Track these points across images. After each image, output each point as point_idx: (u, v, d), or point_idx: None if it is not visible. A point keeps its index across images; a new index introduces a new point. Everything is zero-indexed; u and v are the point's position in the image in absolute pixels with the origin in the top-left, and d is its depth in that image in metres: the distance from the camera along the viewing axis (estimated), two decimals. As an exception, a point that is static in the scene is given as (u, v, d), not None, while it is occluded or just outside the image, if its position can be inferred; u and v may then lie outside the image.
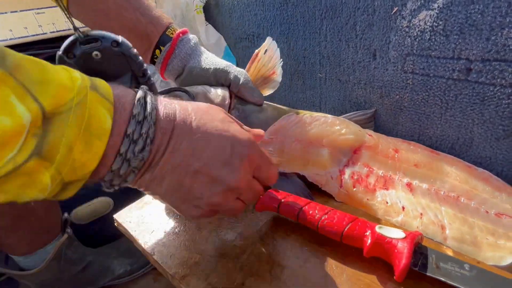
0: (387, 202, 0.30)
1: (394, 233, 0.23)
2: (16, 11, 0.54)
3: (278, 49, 0.38)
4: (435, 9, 0.29)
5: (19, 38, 0.55)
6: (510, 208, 0.27)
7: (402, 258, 0.22)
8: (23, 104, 0.14)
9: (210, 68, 0.35)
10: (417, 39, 0.31)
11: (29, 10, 0.55)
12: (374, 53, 0.37)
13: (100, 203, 0.63)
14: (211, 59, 0.37)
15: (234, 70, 0.36)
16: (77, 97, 0.16)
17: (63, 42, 0.22)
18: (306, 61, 0.48)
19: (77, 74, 0.17)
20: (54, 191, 0.17)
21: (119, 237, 0.61)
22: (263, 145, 0.33)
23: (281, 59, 0.38)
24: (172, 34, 0.36)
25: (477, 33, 0.27)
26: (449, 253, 0.26)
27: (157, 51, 0.36)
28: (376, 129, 0.42)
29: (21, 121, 0.14)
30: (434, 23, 0.29)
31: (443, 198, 0.29)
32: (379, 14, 0.34)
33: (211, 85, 0.35)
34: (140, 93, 0.19)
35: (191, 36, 0.38)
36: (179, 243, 0.29)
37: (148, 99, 0.19)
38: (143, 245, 0.30)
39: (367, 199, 0.31)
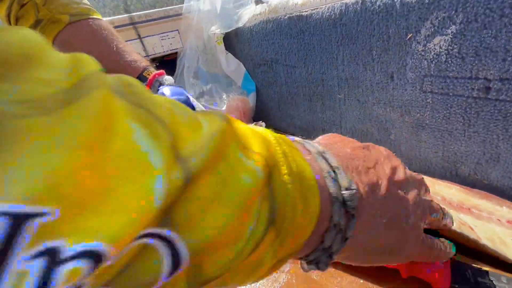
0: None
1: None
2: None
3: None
4: (449, 34, 0.31)
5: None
6: None
7: (443, 277, 0.23)
8: (249, 159, 0.12)
9: None
10: (433, 62, 0.33)
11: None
12: (391, 75, 0.39)
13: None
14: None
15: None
16: (280, 148, 0.13)
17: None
18: (324, 83, 0.51)
19: (268, 134, 0.14)
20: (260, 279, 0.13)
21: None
22: None
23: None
24: (149, 75, 0.42)
25: (492, 54, 0.28)
26: (485, 267, 0.26)
27: None
28: (399, 146, 0.43)
29: (257, 177, 0.11)
30: (449, 47, 0.31)
31: (458, 208, 0.30)
32: (394, 40, 0.36)
33: None
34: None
35: (167, 77, 0.43)
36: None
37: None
38: None
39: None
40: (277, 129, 0.71)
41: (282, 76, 0.61)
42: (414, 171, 0.36)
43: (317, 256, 0.15)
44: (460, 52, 0.31)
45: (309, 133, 0.61)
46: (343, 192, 0.14)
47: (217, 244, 0.10)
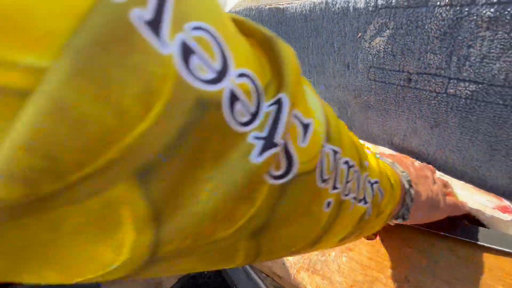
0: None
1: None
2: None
3: None
4: (385, 36, 0.40)
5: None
6: None
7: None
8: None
9: None
10: (375, 57, 0.43)
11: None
12: (347, 65, 0.48)
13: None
14: None
15: None
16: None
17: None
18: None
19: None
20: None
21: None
22: None
23: None
24: None
25: (412, 55, 0.38)
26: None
27: None
28: (353, 122, 0.54)
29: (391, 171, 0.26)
30: (385, 46, 0.41)
31: None
32: (349, 37, 0.46)
33: None
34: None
35: None
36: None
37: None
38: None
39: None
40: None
41: (264, 59, 0.69)
42: (360, 139, 0.47)
43: (403, 210, 0.27)
44: (392, 51, 0.40)
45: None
46: (402, 173, 0.28)
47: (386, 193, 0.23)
